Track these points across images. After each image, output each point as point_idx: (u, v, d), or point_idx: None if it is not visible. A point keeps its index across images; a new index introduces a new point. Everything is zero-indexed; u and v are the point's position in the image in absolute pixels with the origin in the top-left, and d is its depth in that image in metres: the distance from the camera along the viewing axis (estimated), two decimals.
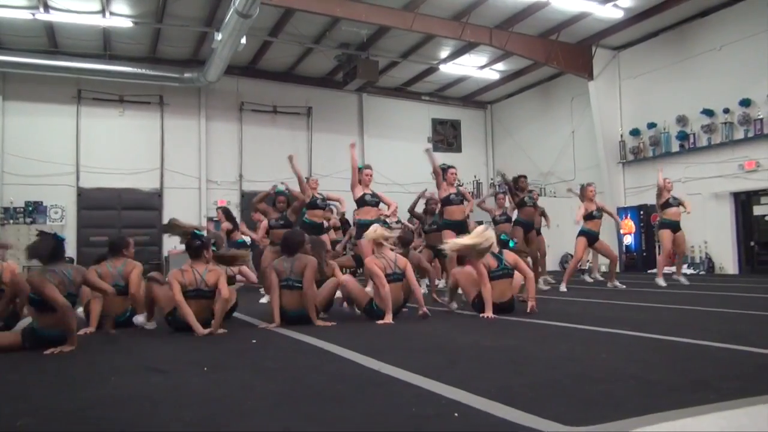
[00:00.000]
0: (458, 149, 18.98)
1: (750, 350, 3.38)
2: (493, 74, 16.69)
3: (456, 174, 7.81)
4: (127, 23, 12.76)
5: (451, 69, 16.10)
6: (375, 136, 17.61)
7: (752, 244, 12.31)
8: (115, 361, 3.66)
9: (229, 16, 11.02)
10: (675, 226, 8.99)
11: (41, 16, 12.04)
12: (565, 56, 14.29)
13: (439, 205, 8.03)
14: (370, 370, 3.08)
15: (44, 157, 14.12)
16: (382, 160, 17.19)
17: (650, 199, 13.91)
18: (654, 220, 13.63)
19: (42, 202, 14.23)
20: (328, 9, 11.95)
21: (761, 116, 11.86)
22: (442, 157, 18.29)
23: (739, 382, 2.60)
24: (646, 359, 3.28)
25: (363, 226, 6.56)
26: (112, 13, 12.45)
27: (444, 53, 15.39)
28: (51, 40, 13.59)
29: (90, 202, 14.55)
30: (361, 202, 7.11)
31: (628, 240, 14.47)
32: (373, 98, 17.77)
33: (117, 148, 14.85)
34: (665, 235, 8.96)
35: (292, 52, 15.26)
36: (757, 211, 12.35)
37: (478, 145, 19.37)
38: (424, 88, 18.03)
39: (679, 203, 9.09)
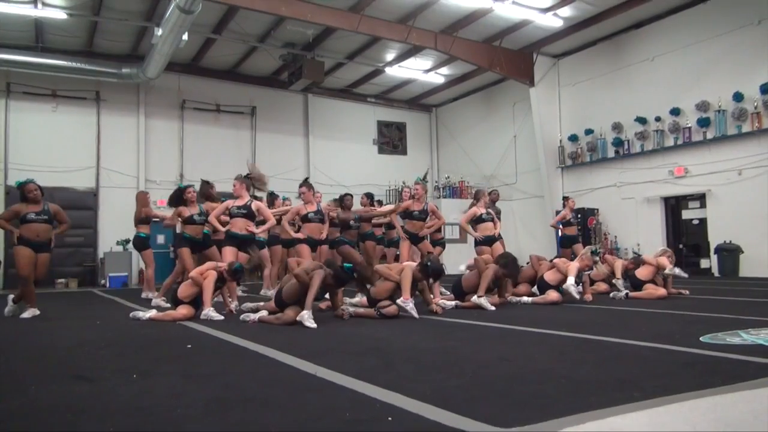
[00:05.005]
0: (403, 151, 19.13)
1: (674, 349, 3.54)
2: (438, 78, 16.89)
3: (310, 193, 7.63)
4: (61, 15, 12.21)
5: (397, 72, 16.19)
6: (320, 137, 17.51)
7: (681, 246, 12.89)
8: (38, 368, 3.48)
9: (170, 11, 10.72)
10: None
11: None
12: (507, 62, 14.60)
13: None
14: (306, 374, 3.04)
15: None
16: (327, 161, 17.19)
17: (588, 202, 14.43)
18: (591, 223, 14.11)
19: None
20: (273, 7, 11.78)
21: (689, 125, 12.46)
22: (388, 159, 18.55)
23: (662, 381, 2.70)
24: (576, 359, 3.38)
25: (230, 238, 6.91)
26: (45, 4, 11.89)
27: (390, 56, 15.46)
28: None
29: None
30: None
31: None
32: (319, 99, 17.65)
33: (50, 144, 14.15)
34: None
35: (236, 51, 14.99)
36: (686, 215, 12.99)
37: (423, 147, 19.55)
38: (369, 90, 18.05)
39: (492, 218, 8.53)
